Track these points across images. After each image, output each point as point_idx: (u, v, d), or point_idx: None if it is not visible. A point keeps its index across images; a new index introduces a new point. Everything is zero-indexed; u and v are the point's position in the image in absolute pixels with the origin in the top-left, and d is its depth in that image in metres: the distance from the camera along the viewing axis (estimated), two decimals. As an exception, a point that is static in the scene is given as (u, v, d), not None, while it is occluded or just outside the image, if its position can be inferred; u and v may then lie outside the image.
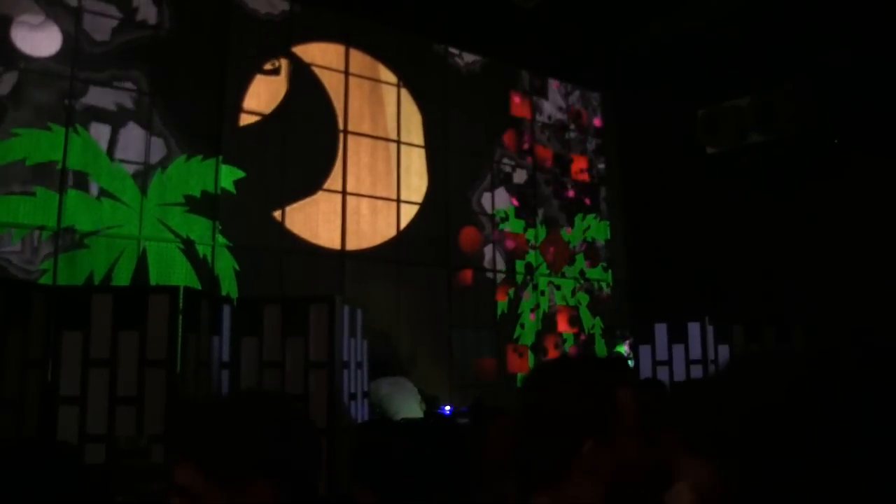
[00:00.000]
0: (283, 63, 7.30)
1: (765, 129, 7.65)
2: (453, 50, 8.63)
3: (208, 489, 1.13)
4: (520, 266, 8.77)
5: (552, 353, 8.79)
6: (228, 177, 6.80)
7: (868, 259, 7.03)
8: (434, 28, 8.24)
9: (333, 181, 7.49)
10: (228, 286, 6.61)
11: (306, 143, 7.37)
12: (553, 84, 9.60)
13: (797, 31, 7.40)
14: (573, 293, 9.22)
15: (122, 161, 6.27)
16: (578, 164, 9.68)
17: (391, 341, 7.15)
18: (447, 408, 6.93)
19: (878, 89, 6.93)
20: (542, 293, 8.91)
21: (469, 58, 8.75)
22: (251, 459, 1.14)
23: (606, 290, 9.57)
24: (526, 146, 9.15)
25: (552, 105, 9.56)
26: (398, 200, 7.95)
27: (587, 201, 9.66)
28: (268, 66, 7.21)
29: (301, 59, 7.45)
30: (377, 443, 2.31)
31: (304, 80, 7.45)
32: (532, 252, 8.93)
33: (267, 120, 7.13)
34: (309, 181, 7.34)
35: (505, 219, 8.76)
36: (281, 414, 1.25)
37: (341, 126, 7.66)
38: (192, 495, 1.14)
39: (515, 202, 8.91)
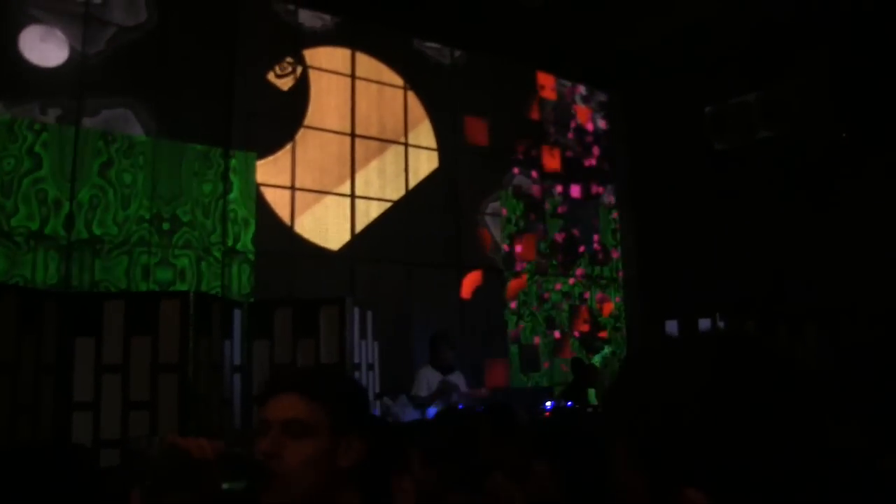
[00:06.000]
0: (293, 67, 7.33)
1: (773, 124, 7.62)
2: (458, 51, 8.63)
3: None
4: (530, 266, 8.76)
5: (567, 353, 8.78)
6: (239, 181, 6.83)
7: (879, 254, 6.98)
8: (440, 29, 8.24)
9: (342, 184, 7.51)
10: (239, 290, 6.64)
11: (316, 146, 7.39)
12: (560, 83, 9.59)
13: (804, 26, 7.37)
14: (583, 292, 9.20)
15: (133, 166, 6.31)
16: (587, 163, 9.67)
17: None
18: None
19: (886, 83, 6.90)
20: (549, 293, 8.89)
21: (473, 58, 8.75)
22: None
23: (617, 289, 9.55)
24: (534, 145, 9.14)
25: (559, 104, 9.54)
26: (407, 202, 7.95)
27: (597, 199, 9.64)
28: (277, 71, 7.24)
29: (309, 63, 7.47)
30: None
31: (312, 84, 7.47)
32: (541, 251, 8.91)
33: (276, 123, 7.16)
34: (319, 185, 7.37)
35: (514, 219, 8.75)
36: None
37: (349, 129, 7.68)
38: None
39: (525, 203, 8.90)
